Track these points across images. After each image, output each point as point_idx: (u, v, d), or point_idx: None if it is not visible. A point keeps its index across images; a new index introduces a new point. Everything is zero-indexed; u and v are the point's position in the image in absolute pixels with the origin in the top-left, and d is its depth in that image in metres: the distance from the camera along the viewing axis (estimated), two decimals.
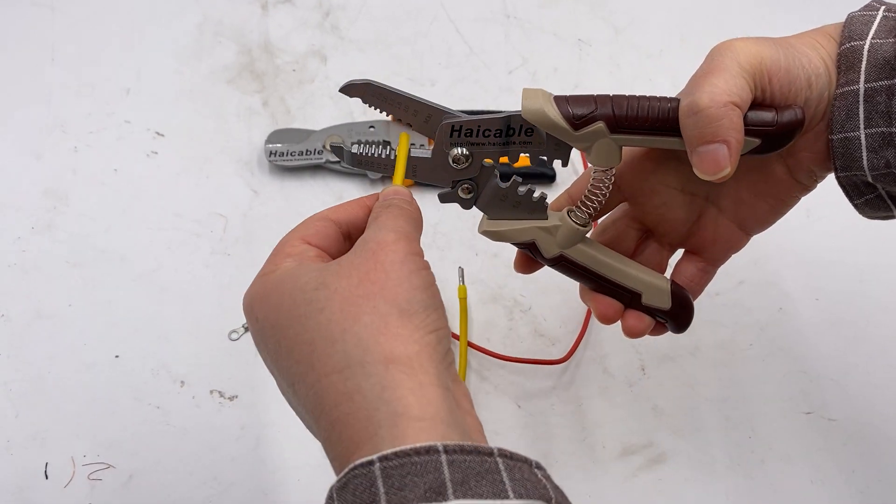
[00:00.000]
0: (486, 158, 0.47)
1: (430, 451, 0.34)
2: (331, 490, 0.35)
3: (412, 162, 0.47)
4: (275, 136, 0.74)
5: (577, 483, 0.61)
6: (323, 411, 0.37)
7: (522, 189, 0.48)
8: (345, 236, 0.44)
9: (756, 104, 0.45)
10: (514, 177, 0.48)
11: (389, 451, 0.34)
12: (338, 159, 0.71)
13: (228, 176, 0.73)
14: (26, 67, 0.78)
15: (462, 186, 0.48)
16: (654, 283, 0.50)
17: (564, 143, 0.46)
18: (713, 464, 0.62)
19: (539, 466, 0.36)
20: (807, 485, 0.61)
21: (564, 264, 0.49)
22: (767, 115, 0.45)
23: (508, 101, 0.78)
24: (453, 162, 0.47)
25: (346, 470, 0.35)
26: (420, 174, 0.48)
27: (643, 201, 0.51)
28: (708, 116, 0.43)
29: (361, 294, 0.38)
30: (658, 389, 0.65)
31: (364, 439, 0.35)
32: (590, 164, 0.48)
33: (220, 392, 0.63)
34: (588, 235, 0.50)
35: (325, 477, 0.36)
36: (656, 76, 0.81)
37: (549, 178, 0.73)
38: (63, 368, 0.63)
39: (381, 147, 0.47)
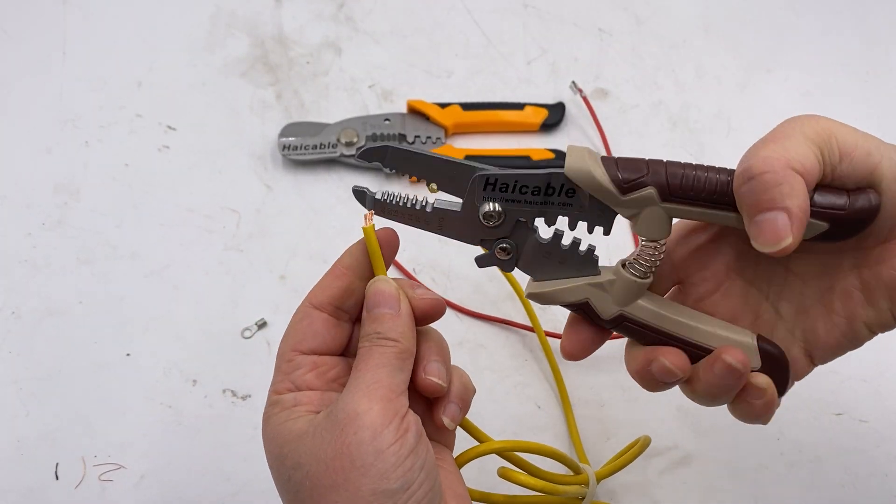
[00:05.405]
0: (520, 217, 0.43)
1: None
2: None
3: (438, 214, 0.43)
4: (288, 130, 0.73)
5: (598, 486, 0.59)
6: None
7: (566, 242, 0.44)
8: (337, 314, 0.43)
9: (824, 185, 0.40)
10: (555, 230, 0.43)
11: None
12: (352, 153, 0.71)
13: (241, 170, 0.72)
14: (37, 61, 0.77)
15: (499, 247, 0.43)
16: (735, 339, 0.43)
17: (609, 208, 0.42)
18: (740, 466, 0.60)
19: None
20: (837, 489, 0.60)
21: (626, 325, 0.44)
22: (838, 198, 0.40)
23: (527, 93, 0.77)
24: (484, 219, 0.42)
25: None
26: (446, 228, 0.43)
27: (695, 282, 0.45)
28: (764, 182, 0.38)
29: (328, 484, 0.38)
30: None
31: None
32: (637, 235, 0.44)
33: (232, 391, 0.62)
34: None
35: None
36: (680, 67, 0.79)
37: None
38: (73, 367, 0.62)
39: (406, 196, 0.43)
